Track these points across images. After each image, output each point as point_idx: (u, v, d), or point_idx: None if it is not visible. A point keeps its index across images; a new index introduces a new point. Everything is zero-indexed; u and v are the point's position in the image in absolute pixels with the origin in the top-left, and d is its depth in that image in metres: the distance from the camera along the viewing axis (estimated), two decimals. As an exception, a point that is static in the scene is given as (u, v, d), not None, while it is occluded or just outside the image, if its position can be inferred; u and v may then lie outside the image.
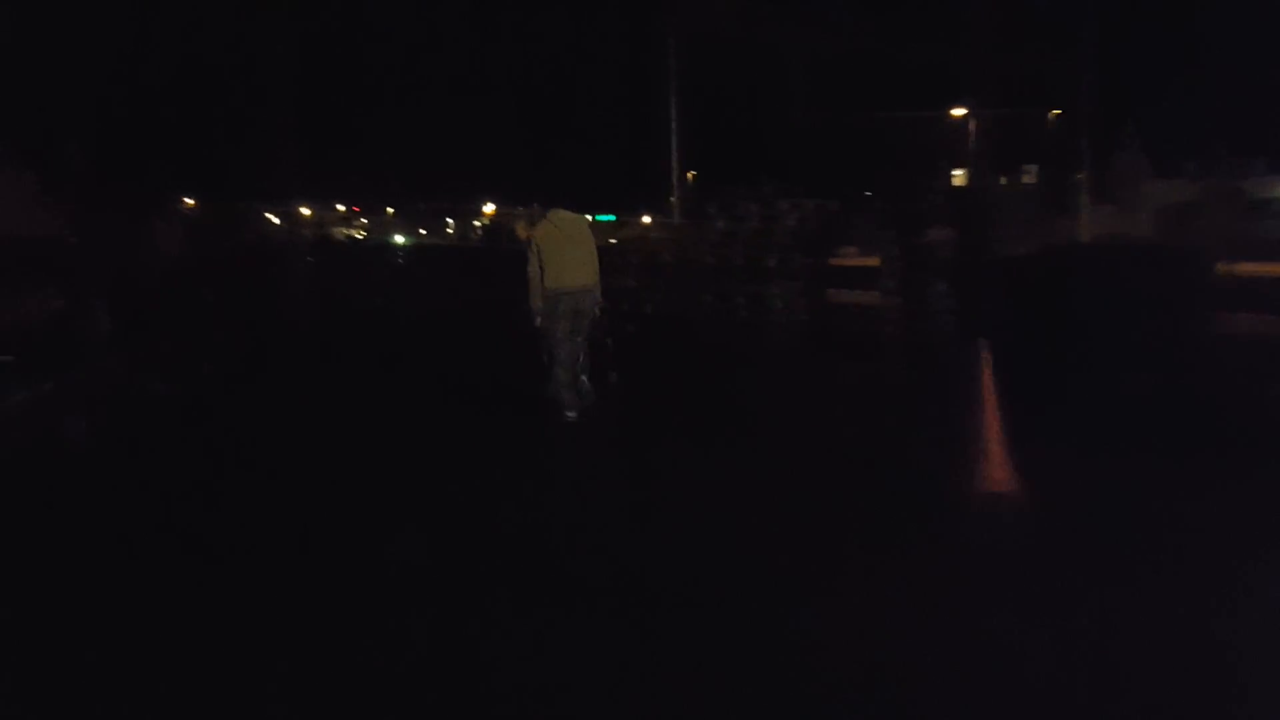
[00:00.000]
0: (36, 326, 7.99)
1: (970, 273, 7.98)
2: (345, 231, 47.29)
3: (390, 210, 62.94)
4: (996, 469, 5.07)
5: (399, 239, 50.46)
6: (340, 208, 54.46)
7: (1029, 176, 28.87)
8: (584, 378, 7.75)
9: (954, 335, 8.27)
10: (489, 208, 63.13)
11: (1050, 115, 31.30)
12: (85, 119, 13.26)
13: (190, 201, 18.88)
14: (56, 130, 11.19)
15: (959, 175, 26.57)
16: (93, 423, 7.63)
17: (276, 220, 45.09)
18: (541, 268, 7.56)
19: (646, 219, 67.37)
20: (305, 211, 51.22)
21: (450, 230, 67.14)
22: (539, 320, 7.64)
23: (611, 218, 65.12)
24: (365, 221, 60.89)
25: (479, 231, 61.26)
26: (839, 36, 21.65)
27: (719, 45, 20.78)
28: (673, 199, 19.77)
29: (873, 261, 10.70)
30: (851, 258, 11.47)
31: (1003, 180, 28.27)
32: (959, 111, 26.05)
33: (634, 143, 33.75)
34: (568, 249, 7.60)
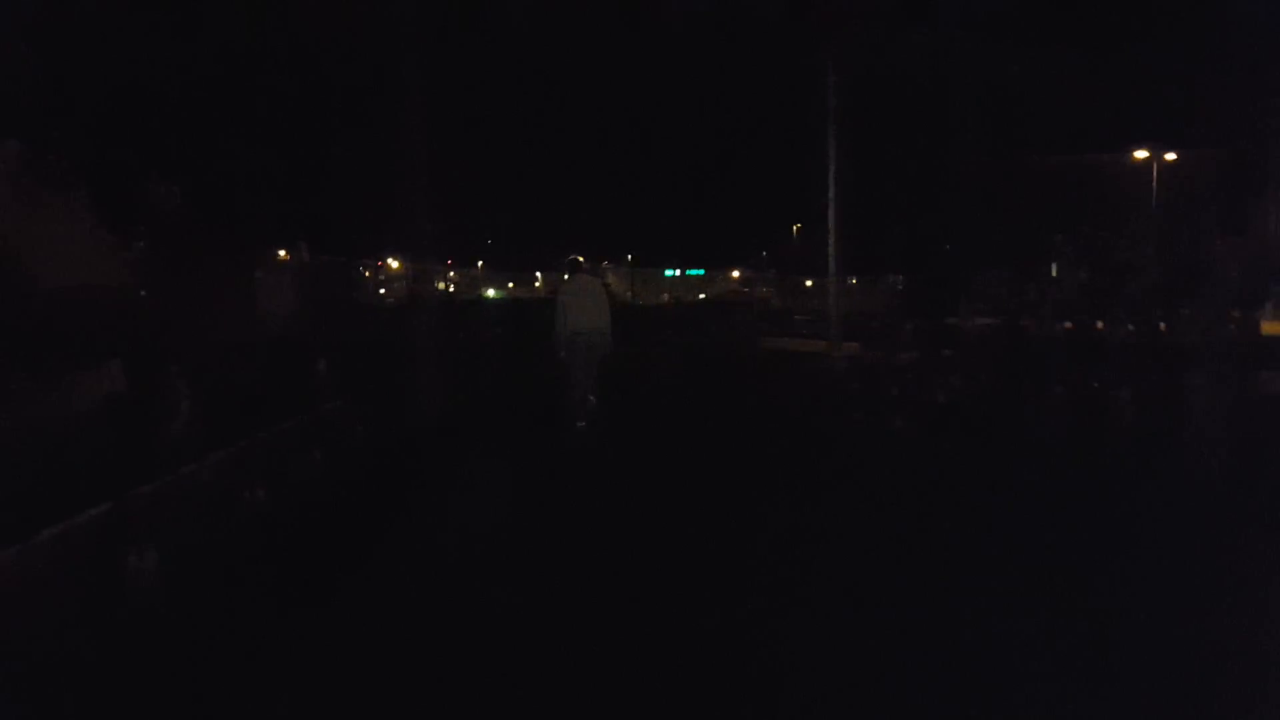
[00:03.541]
0: (88, 416, 5.62)
1: None
2: (436, 285, 45.92)
3: (479, 263, 61.80)
4: None
5: (490, 292, 49.09)
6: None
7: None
8: (591, 397, 10.19)
9: None
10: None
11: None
12: (176, 150, 11.15)
13: (283, 254, 16.66)
14: (138, 160, 9.00)
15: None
16: (166, 556, 5.19)
17: (366, 274, 43.84)
18: (565, 315, 10.05)
19: (735, 273, 65.04)
20: (394, 264, 50.07)
21: (539, 284, 65.81)
22: (562, 353, 10.13)
23: (700, 272, 63.18)
24: (454, 275, 59.80)
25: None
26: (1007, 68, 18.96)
27: (879, 82, 18.12)
28: (829, 250, 17.08)
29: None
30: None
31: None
32: (1141, 154, 22.91)
33: (754, 189, 31.27)
34: (584, 301, 10.18)
